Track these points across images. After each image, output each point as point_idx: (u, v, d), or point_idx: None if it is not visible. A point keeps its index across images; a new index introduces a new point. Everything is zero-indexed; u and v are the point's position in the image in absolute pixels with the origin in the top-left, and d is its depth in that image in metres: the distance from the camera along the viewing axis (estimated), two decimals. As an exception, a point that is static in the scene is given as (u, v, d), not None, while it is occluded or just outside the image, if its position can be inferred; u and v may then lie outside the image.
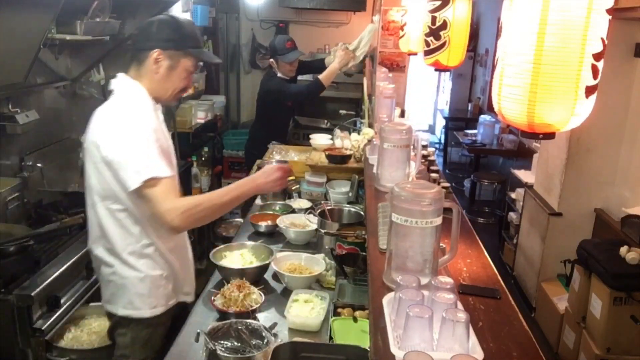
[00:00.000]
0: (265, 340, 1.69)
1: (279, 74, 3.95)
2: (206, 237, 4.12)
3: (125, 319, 1.87)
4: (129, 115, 1.73)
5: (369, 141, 2.87)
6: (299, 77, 4.34)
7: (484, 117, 6.59)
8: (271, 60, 3.99)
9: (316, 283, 2.19)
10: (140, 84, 1.81)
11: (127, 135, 1.69)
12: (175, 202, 1.68)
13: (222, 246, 2.34)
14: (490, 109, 6.03)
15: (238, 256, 2.28)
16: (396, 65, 4.28)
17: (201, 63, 1.98)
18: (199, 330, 1.72)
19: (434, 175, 2.13)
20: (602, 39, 1.10)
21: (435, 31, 2.35)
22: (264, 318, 1.93)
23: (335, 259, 2.20)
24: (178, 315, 2.01)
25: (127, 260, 1.82)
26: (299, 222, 2.68)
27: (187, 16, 4.06)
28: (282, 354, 1.62)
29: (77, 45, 3.07)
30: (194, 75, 1.94)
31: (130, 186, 1.66)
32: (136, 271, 1.83)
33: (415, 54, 3.72)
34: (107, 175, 1.73)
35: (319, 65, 4.14)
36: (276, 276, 2.21)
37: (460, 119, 8.00)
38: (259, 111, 4.19)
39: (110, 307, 1.91)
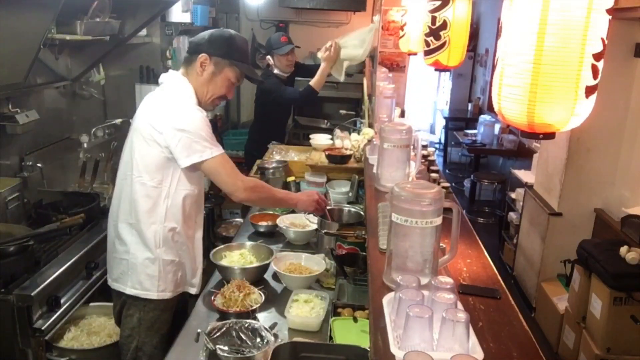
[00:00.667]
0: (265, 340, 1.69)
1: (275, 71, 3.94)
2: (206, 237, 4.11)
3: (133, 299, 1.95)
4: (186, 101, 1.92)
5: (369, 141, 2.87)
6: (297, 78, 4.32)
7: (484, 117, 6.60)
8: (268, 57, 3.99)
9: (316, 283, 2.19)
10: (188, 82, 1.98)
11: (189, 117, 1.87)
12: (244, 177, 2.00)
13: (222, 246, 2.34)
14: (490, 109, 6.04)
15: (238, 256, 2.28)
16: (396, 65, 4.28)
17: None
18: (199, 330, 1.72)
19: (434, 175, 2.13)
20: (602, 39, 1.10)
21: (435, 31, 2.35)
22: (264, 318, 1.93)
23: (335, 259, 2.20)
24: (180, 309, 2.07)
25: (146, 238, 1.91)
26: (299, 222, 2.68)
27: (186, 16, 4.06)
28: (282, 354, 1.62)
29: (77, 45, 3.07)
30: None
31: (200, 158, 1.85)
32: (150, 252, 1.92)
33: (415, 54, 3.72)
34: (156, 152, 1.87)
35: (316, 69, 4.09)
36: (276, 276, 2.21)
37: (460, 119, 8.00)
38: (257, 111, 4.20)
39: (117, 286, 1.99)
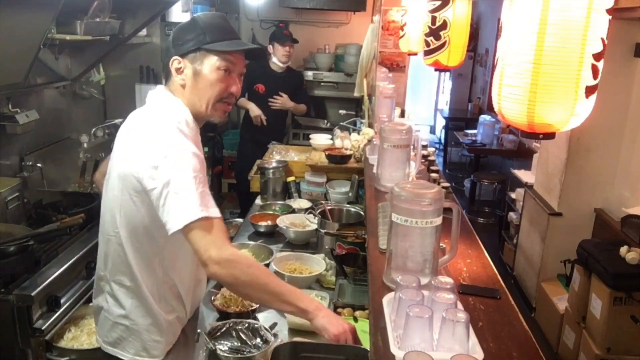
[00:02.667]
0: (265, 340, 1.69)
1: (274, 59, 4.35)
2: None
3: None
4: (173, 138, 1.46)
5: (369, 141, 2.88)
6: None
7: (484, 117, 6.59)
8: (269, 45, 4.39)
9: (316, 283, 2.19)
10: (177, 98, 1.59)
11: (174, 165, 1.42)
12: (223, 246, 1.41)
13: (222, 246, 2.34)
14: (490, 109, 6.03)
15: (238, 256, 2.27)
16: (396, 65, 4.28)
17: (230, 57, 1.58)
18: (199, 330, 1.72)
19: (434, 175, 2.13)
20: (602, 39, 1.10)
21: (435, 31, 2.35)
22: (264, 318, 1.93)
23: (335, 259, 2.20)
24: None
25: (147, 301, 1.59)
26: (299, 222, 2.68)
27: (186, 16, 4.06)
28: (282, 354, 1.62)
29: (77, 45, 3.07)
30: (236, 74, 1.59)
31: (174, 227, 1.39)
32: (152, 317, 1.60)
33: (415, 54, 3.71)
34: (144, 210, 1.50)
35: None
36: (276, 276, 2.21)
37: (460, 119, 8.00)
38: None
39: (114, 351, 1.65)
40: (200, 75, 1.54)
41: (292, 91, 4.49)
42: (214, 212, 1.42)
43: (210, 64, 1.53)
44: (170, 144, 1.45)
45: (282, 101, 4.37)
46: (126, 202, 1.52)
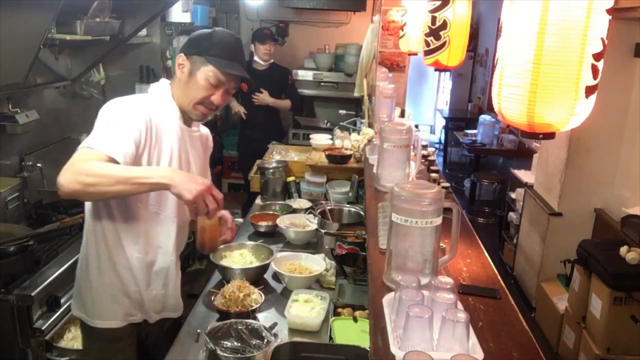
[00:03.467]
0: (265, 340, 1.69)
1: (255, 58, 4.56)
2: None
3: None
4: (127, 101, 1.67)
5: (369, 141, 2.87)
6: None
7: (484, 117, 6.60)
8: (251, 45, 4.59)
9: (316, 283, 2.19)
10: (170, 89, 1.77)
11: (108, 108, 1.62)
12: (76, 162, 1.50)
13: (222, 246, 2.34)
14: (490, 109, 6.03)
15: (238, 256, 2.28)
16: (396, 65, 4.27)
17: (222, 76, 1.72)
18: (199, 330, 1.72)
19: (434, 175, 2.13)
20: (602, 39, 1.10)
21: (435, 31, 2.35)
22: (264, 318, 1.93)
23: (335, 259, 2.20)
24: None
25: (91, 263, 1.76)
26: (299, 222, 2.68)
27: (187, 16, 4.06)
28: (282, 354, 1.62)
29: (77, 45, 3.07)
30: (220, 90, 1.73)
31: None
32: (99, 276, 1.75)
33: (415, 54, 3.71)
34: None
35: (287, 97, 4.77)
36: (276, 276, 2.21)
37: (460, 119, 8.00)
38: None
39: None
40: (194, 77, 1.71)
41: (276, 87, 4.63)
42: (102, 146, 1.52)
43: (205, 72, 1.70)
44: (114, 101, 1.65)
45: (260, 97, 4.51)
46: None
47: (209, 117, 1.87)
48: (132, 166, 1.56)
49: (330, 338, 1.78)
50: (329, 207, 2.63)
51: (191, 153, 1.82)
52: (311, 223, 2.63)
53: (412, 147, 2.02)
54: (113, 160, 1.51)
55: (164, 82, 1.81)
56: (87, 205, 1.75)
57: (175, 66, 1.76)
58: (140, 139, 1.61)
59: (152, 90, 1.79)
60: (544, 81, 1.11)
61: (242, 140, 4.83)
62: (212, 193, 1.56)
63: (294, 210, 2.86)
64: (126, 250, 1.73)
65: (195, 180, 1.56)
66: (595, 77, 1.11)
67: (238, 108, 4.61)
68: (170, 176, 1.53)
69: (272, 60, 4.61)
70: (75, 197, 1.53)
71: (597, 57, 1.10)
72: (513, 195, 4.56)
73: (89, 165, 1.48)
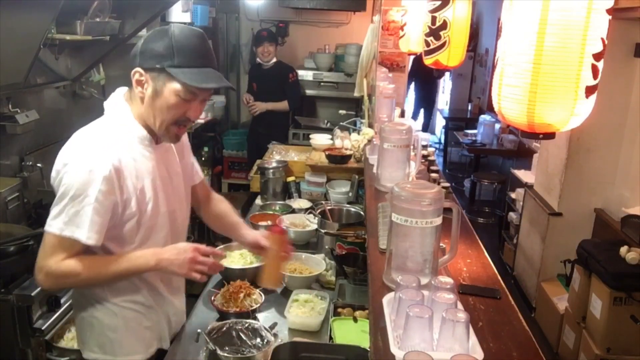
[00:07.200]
0: (265, 340, 1.69)
1: (257, 59, 4.78)
2: (206, 237, 4.12)
3: None
4: (88, 150, 1.44)
5: (369, 141, 2.88)
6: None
7: (484, 117, 6.60)
8: (253, 47, 4.99)
9: (316, 283, 2.19)
10: (130, 108, 1.52)
11: (71, 175, 1.41)
12: (54, 262, 1.42)
13: (222, 246, 2.34)
14: (490, 109, 6.03)
15: (238, 256, 2.28)
16: (396, 65, 4.27)
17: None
18: (199, 330, 1.72)
19: (434, 175, 2.13)
20: (602, 39, 1.10)
21: (435, 31, 2.35)
22: (264, 318, 1.93)
23: (335, 259, 2.20)
24: None
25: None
26: (299, 222, 2.68)
27: (186, 16, 4.06)
28: (282, 354, 1.62)
29: (77, 45, 3.07)
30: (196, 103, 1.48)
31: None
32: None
33: (416, 54, 3.72)
34: None
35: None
36: (276, 276, 2.21)
37: (460, 119, 8.00)
38: None
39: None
40: (160, 96, 1.44)
41: (279, 86, 4.77)
42: (76, 232, 1.42)
43: (171, 89, 1.43)
44: (74, 153, 1.44)
45: (257, 107, 4.74)
46: None
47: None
48: (115, 258, 1.50)
49: (330, 338, 1.78)
50: (329, 207, 2.63)
51: (169, 168, 1.62)
52: (311, 223, 2.63)
53: (412, 147, 2.02)
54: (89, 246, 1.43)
55: (119, 99, 1.53)
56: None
57: (133, 83, 1.46)
58: (117, 199, 1.45)
59: (109, 112, 1.53)
60: (544, 81, 1.11)
61: (251, 136, 4.98)
62: (200, 254, 1.54)
63: (294, 210, 2.86)
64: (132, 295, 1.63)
65: (179, 252, 1.52)
66: (595, 77, 1.11)
67: (261, 106, 4.74)
68: (156, 262, 1.50)
69: (275, 59, 4.72)
70: None
71: (597, 57, 1.10)
72: (513, 195, 4.56)
73: (69, 267, 1.43)
